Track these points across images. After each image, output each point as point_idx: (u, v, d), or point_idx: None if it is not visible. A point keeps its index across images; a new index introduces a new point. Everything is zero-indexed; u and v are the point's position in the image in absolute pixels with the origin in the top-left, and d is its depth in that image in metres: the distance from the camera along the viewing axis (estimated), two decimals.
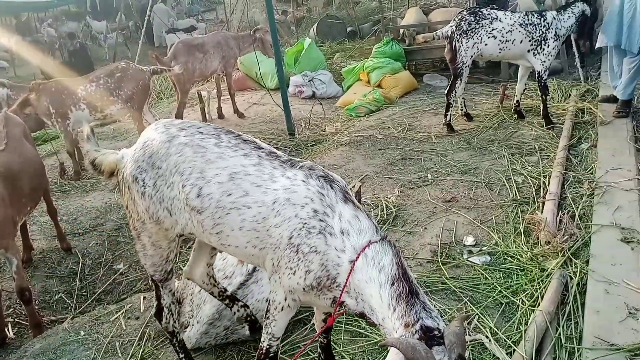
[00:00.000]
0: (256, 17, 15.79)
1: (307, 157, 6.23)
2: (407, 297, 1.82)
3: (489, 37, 5.90)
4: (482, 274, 3.54)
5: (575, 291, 3.24)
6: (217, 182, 2.18)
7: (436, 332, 1.75)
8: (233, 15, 15.12)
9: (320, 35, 12.66)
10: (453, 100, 6.26)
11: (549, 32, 5.86)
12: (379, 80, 8.25)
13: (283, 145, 6.68)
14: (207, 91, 8.17)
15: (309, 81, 8.73)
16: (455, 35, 5.98)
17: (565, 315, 3.08)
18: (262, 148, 2.26)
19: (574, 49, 7.65)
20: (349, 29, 13.45)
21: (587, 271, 3.35)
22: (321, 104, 7.86)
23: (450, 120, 6.27)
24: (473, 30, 5.89)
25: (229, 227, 2.17)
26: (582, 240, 3.75)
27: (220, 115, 8.02)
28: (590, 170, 4.82)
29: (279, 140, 6.82)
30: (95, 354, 3.13)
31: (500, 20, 5.89)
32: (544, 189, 4.55)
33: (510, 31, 5.87)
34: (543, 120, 6.10)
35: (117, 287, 4.21)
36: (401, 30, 9.48)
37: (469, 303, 3.27)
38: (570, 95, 6.93)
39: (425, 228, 4.17)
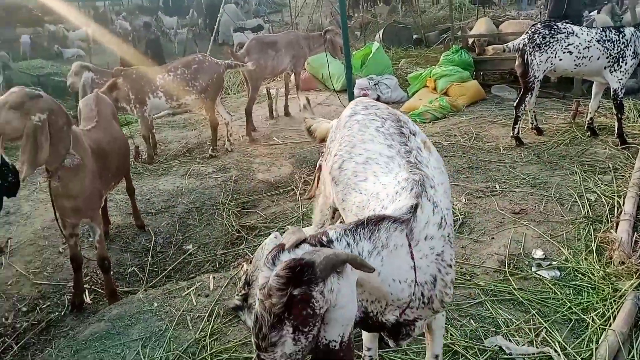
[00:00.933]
0: (321, 20, 15.98)
1: None
2: None
3: (564, 52, 5.76)
4: (550, 288, 3.48)
5: None
6: (355, 161, 2.28)
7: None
8: (299, 18, 15.38)
9: (387, 41, 12.67)
10: (522, 114, 6.15)
11: (627, 49, 5.68)
12: (446, 88, 8.20)
13: None
14: (275, 89, 8.35)
15: (375, 85, 8.77)
16: (528, 48, 5.88)
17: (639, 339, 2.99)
18: (408, 145, 2.20)
19: None
20: (414, 36, 13.42)
21: None
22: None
23: (518, 133, 6.17)
24: (547, 44, 5.77)
25: (349, 206, 2.26)
26: None
27: (287, 113, 8.18)
28: None
29: None
30: (167, 325, 3.28)
31: (576, 36, 5.75)
32: (618, 209, 4.41)
33: (588, 47, 5.72)
34: (617, 139, 5.90)
35: (185, 267, 4.39)
36: (471, 40, 9.38)
37: (536, 315, 3.22)
38: None
39: (493, 237, 4.13)
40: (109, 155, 3.84)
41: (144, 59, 12.56)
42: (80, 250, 3.78)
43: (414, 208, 1.83)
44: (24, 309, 3.82)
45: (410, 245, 1.79)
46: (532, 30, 5.92)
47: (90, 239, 4.52)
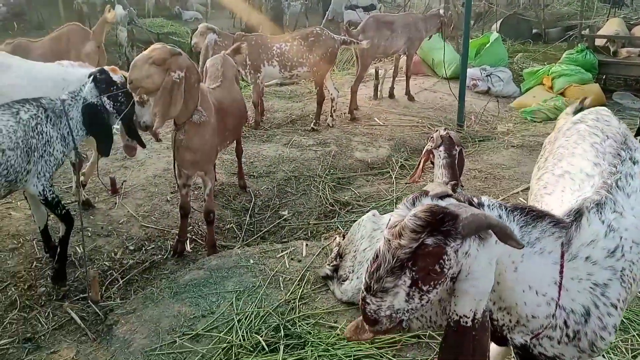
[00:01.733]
0: (434, 5, 15.58)
1: (474, 152, 6.12)
2: None
3: None
4: None
5: None
6: (552, 173, 2.09)
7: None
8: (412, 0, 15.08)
9: (504, 32, 12.15)
10: None
11: None
12: (564, 88, 7.77)
13: None
14: (383, 69, 8.33)
15: (487, 76, 8.49)
16: None
17: None
18: (617, 167, 1.88)
19: None
20: (534, 30, 12.76)
21: None
22: (497, 101, 7.63)
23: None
24: None
25: None
26: None
27: (391, 95, 8.14)
28: None
29: (448, 129, 6.75)
30: (260, 282, 3.46)
31: None
32: None
33: None
34: None
35: (279, 231, 4.57)
36: (603, 41, 8.77)
37: (637, 337, 3.05)
38: None
39: None
40: (229, 115, 4.05)
41: (265, 24, 12.97)
42: (190, 199, 4.04)
43: (577, 214, 1.61)
44: (131, 248, 4.16)
45: (562, 257, 1.56)
46: None
47: (196, 192, 4.82)
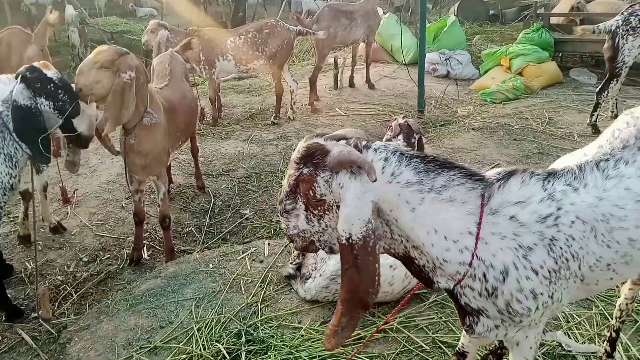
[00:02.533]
0: None
1: (435, 137, 6.10)
2: None
3: None
4: (617, 286, 3.28)
5: None
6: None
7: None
8: None
9: (461, 15, 12.20)
10: (604, 100, 5.77)
11: None
12: (521, 68, 7.82)
13: None
14: (342, 58, 8.23)
15: (445, 60, 8.48)
16: (621, 31, 5.45)
17: None
18: (611, 155, 1.83)
19: None
20: (491, 12, 12.85)
21: None
22: (456, 84, 7.62)
23: (596, 120, 5.80)
24: None
25: None
26: None
27: (352, 84, 8.06)
28: None
29: (407, 116, 6.70)
30: (220, 287, 3.34)
31: None
32: None
33: None
34: None
35: (241, 231, 4.45)
36: (560, 19, 8.84)
37: (600, 313, 3.05)
38: None
39: None
40: (179, 114, 3.89)
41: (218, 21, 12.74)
42: (144, 205, 3.88)
43: (508, 175, 1.67)
44: (85, 259, 3.98)
45: (482, 210, 1.61)
46: (629, 11, 5.48)
47: (152, 196, 4.65)
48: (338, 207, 1.58)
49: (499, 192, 1.64)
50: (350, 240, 1.53)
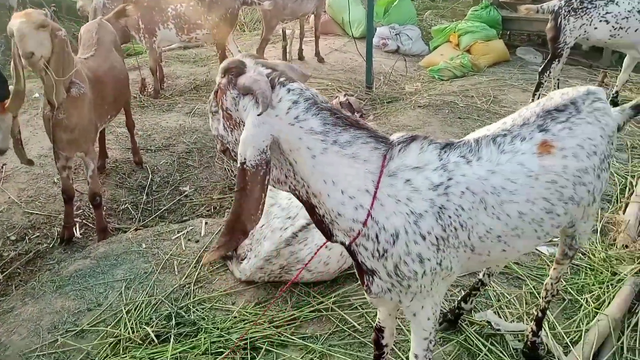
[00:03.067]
0: None
1: (382, 113, 6.08)
2: None
3: (600, 21, 5.39)
4: (548, 265, 3.38)
5: None
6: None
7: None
8: None
9: None
10: (546, 80, 5.86)
11: None
12: (470, 45, 7.85)
13: (358, 97, 6.53)
14: (291, 30, 8.05)
15: (396, 35, 8.43)
16: (563, 11, 5.51)
17: (631, 326, 2.90)
18: (509, 131, 1.87)
19: None
20: None
21: None
22: (405, 60, 7.59)
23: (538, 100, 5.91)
24: (584, 9, 5.40)
25: None
26: None
27: (300, 57, 7.91)
28: None
29: (355, 91, 6.66)
30: (153, 268, 3.24)
31: (617, 4, 5.36)
32: (629, 190, 4.25)
33: (627, 18, 5.34)
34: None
35: (180, 208, 4.32)
36: None
37: (529, 291, 3.14)
38: None
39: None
40: (106, 86, 3.70)
41: None
42: (72, 182, 3.70)
43: (410, 139, 1.71)
44: (13, 238, 3.80)
45: (381, 170, 1.65)
46: None
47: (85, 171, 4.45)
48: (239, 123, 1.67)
49: (399, 155, 1.68)
50: (244, 165, 1.58)
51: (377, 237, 1.67)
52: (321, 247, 2.13)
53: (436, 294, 1.83)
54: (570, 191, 1.87)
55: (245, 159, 1.57)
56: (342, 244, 1.77)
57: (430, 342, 1.93)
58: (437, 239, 1.68)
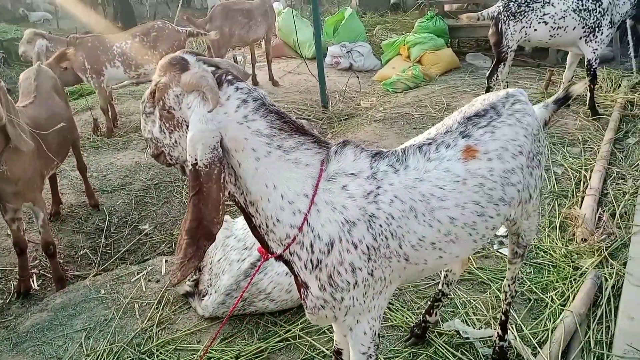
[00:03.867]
0: None
1: (339, 131, 6.11)
2: None
3: (539, 23, 5.57)
4: None
5: (609, 294, 3.08)
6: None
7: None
8: None
9: (362, 6, 12.36)
10: (494, 84, 6.00)
11: (604, 19, 5.51)
12: (420, 56, 8.00)
13: (316, 117, 6.56)
14: (242, 56, 8.07)
15: (347, 52, 8.54)
16: (502, 17, 5.68)
17: (597, 319, 2.94)
18: (434, 140, 1.89)
19: (629, 37, 7.24)
20: (392, 0, 13.09)
21: (624, 274, 3.18)
22: (357, 77, 7.67)
23: None
24: (522, 13, 5.58)
25: None
26: (621, 240, 3.56)
27: (255, 82, 7.92)
28: (635, 167, 4.57)
29: (312, 112, 6.69)
30: (114, 314, 3.14)
31: (552, 5, 5.54)
32: (584, 183, 4.34)
33: (563, 17, 5.54)
34: (589, 110, 5.80)
35: (141, 248, 4.22)
36: (454, 5, 9.14)
37: (495, 295, 3.15)
38: (620, 85, 6.58)
39: None
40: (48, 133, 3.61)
41: (112, 24, 12.13)
42: (24, 234, 3.58)
43: (342, 143, 1.71)
44: None
45: (320, 174, 1.63)
46: None
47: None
48: (187, 127, 1.58)
49: (335, 159, 1.67)
50: (197, 167, 1.53)
51: (311, 246, 1.64)
52: (258, 267, 2.08)
53: (373, 309, 1.81)
54: (499, 192, 1.89)
55: (196, 158, 1.52)
56: (279, 258, 1.72)
57: (370, 357, 1.88)
58: (367, 248, 1.67)
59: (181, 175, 1.75)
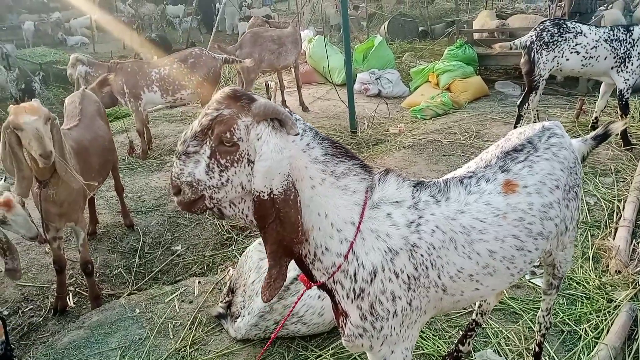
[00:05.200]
0: (327, 10, 15.76)
1: (368, 156, 6.16)
2: None
3: (571, 52, 5.60)
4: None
5: None
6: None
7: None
8: (305, 7, 15.17)
9: (391, 33, 12.51)
10: (525, 112, 6.00)
11: (633, 49, 5.51)
12: (449, 84, 8.05)
13: (345, 142, 6.63)
14: (274, 82, 8.24)
15: (376, 79, 8.64)
16: (535, 46, 5.71)
17: (632, 353, 2.89)
18: (474, 173, 1.94)
19: None
20: (420, 28, 13.23)
21: None
22: (386, 103, 7.75)
23: None
24: (555, 42, 5.61)
25: None
26: None
27: (285, 107, 8.05)
28: None
29: (341, 137, 6.77)
30: (148, 333, 3.21)
31: (584, 35, 5.57)
32: (617, 214, 4.29)
33: (595, 47, 5.56)
34: (621, 140, 5.75)
35: (173, 268, 4.31)
36: (483, 34, 9.19)
37: (527, 326, 3.13)
38: None
39: None
40: (91, 154, 3.76)
41: (150, 47, 12.52)
42: (63, 252, 3.70)
43: (385, 172, 1.74)
44: (6, 313, 3.75)
45: (365, 201, 1.65)
46: (541, 27, 5.74)
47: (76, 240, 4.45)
48: (248, 161, 1.54)
49: (379, 186, 1.69)
50: (272, 195, 1.50)
51: (355, 275, 1.66)
52: (301, 295, 2.10)
53: (407, 339, 1.82)
54: (539, 227, 1.90)
55: (271, 188, 1.50)
56: (321, 287, 1.74)
57: None
58: (408, 277, 1.69)
59: (216, 218, 1.72)
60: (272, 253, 1.57)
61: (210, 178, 1.54)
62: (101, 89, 4.45)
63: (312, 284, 1.75)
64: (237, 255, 4.22)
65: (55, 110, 4.31)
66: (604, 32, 5.59)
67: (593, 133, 2.38)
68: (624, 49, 5.51)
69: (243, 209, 1.62)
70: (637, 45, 5.50)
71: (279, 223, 1.53)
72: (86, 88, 4.34)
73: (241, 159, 1.54)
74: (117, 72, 5.87)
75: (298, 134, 1.54)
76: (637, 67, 5.54)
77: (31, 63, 14.59)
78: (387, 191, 1.70)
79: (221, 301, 3.34)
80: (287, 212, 1.51)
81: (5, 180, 4.22)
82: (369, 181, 1.68)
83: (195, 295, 3.57)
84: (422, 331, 3.08)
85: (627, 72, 5.57)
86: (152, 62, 6.34)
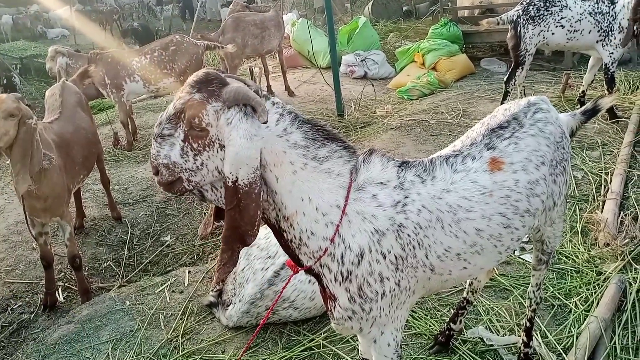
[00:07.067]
0: None
1: (356, 139, 6.13)
2: None
3: (556, 26, 5.57)
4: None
5: (634, 298, 3.05)
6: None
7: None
8: None
9: (375, 14, 12.41)
10: (511, 89, 5.99)
11: (614, 23, 5.49)
12: (434, 63, 8.01)
13: (332, 126, 6.58)
14: (258, 67, 8.15)
15: (362, 61, 8.58)
16: (521, 20, 5.68)
17: (622, 324, 2.92)
18: (460, 151, 1.92)
19: None
20: (404, 8, 13.13)
21: None
22: (372, 85, 7.70)
23: None
24: (541, 17, 5.58)
25: None
26: None
27: (270, 93, 7.98)
28: None
29: (328, 120, 6.73)
30: (139, 325, 3.19)
31: (569, 9, 5.55)
32: (605, 187, 4.31)
33: (579, 20, 5.53)
34: (607, 113, 5.75)
35: (163, 259, 4.28)
36: (459, 12, 9.14)
37: (518, 301, 3.14)
38: (638, 87, 6.52)
39: None
40: (73, 147, 3.70)
41: (125, 41, 12.34)
42: (50, 248, 3.65)
43: (369, 152, 1.72)
44: None
45: (350, 183, 1.63)
46: (527, 1, 5.70)
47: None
48: (220, 146, 1.53)
49: (364, 167, 1.68)
50: (237, 184, 1.50)
51: (342, 257, 1.65)
52: (288, 280, 2.08)
53: (396, 320, 1.82)
54: (525, 204, 1.89)
55: (236, 176, 1.49)
56: (308, 271, 1.73)
57: None
58: (395, 257, 1.68)
59: (198, 200, 1.71)
60: (225, 237, 1.59)
61: (186, 161, 1.56)
62: (82, 81, 4.37)
63: (300, 268, 1.74)
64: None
65: (39, 105, 4.22)
66: (589, 5, 5.56)
67: (582, 108, 2.36)
68: (607, 23, 5.50)
69: (223, 194, 1.60)
70: (619, 19, 5.48)
71: (238, 212, 1.53)
72: (67, 80, 4.25)
73: (212, 143, 1.53)
74: (97, 63, 5.77)
75: (266, 122, 1.50)
76: (620, 40, 5.53)
77: (11, 57, 14.35)
78: (372, 172, 1.68)
79: (212, 290, 3.32)
80: (248, 204, 1.51)
81: None
82: (353, 163, 1.66)
83: (186, 285, 3.55)
84: (413, 311, 3.09)
85: (610, 45, 5.55)
86: (132, 51, 6.23)
